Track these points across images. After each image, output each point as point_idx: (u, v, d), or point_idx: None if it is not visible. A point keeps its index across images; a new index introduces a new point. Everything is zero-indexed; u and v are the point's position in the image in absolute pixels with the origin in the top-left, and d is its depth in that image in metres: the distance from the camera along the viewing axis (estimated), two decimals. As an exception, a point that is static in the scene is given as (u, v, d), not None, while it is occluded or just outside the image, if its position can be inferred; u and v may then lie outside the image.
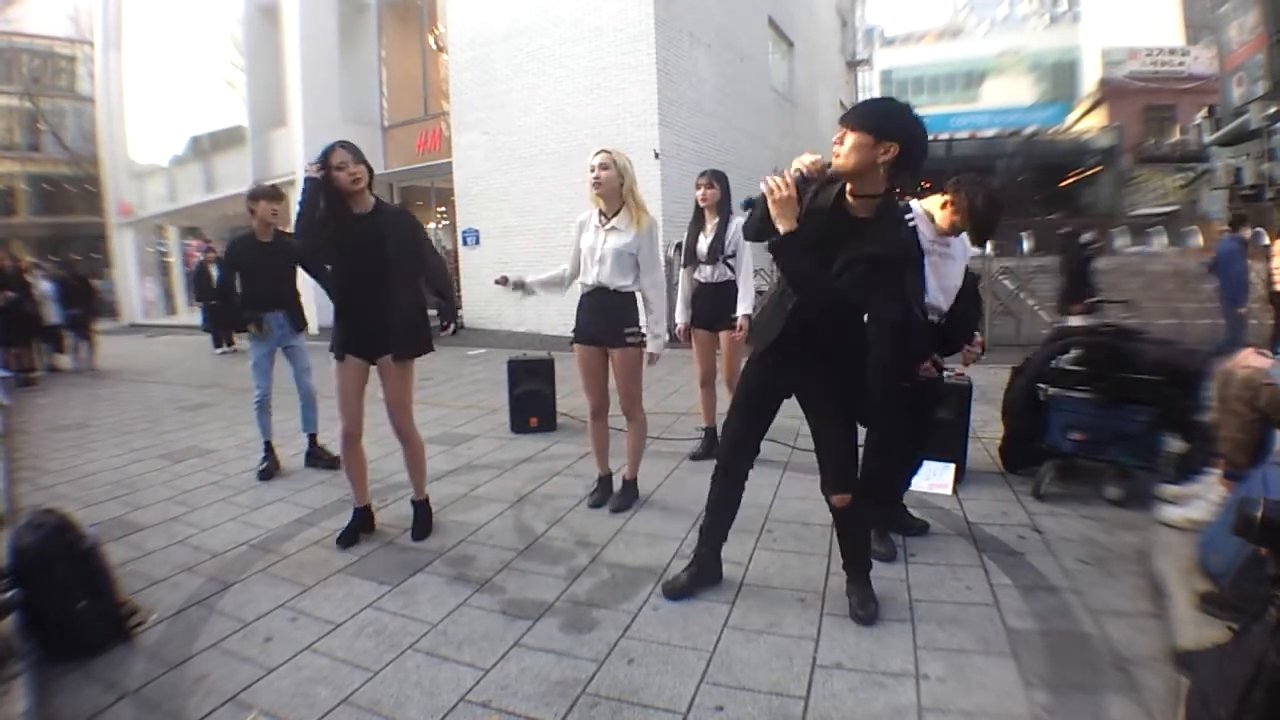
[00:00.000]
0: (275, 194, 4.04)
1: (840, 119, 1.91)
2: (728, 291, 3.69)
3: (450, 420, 5.18)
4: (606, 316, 3.03)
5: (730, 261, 3.68)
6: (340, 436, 2.89)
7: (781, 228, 1.90)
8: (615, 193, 2.97)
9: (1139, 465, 2.99)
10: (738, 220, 3.64)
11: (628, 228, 2.97)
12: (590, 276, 3.04)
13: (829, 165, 1.92)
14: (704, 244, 3.72)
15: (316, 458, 4.13)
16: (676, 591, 2.35)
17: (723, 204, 3.70)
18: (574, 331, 3.13)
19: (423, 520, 3.00)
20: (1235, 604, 1.83)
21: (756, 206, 2.02)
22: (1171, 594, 2.10)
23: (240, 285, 3.98)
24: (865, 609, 2.17)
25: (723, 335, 3.80)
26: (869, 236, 1.89)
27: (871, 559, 2.29)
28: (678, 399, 5.62)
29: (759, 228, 2.01)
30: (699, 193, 3.73)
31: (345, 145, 2.69)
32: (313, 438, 4.18)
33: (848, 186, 1.93)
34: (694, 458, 3.94)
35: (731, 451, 2.31)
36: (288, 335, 4.06)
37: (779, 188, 1.89)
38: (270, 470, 3.97)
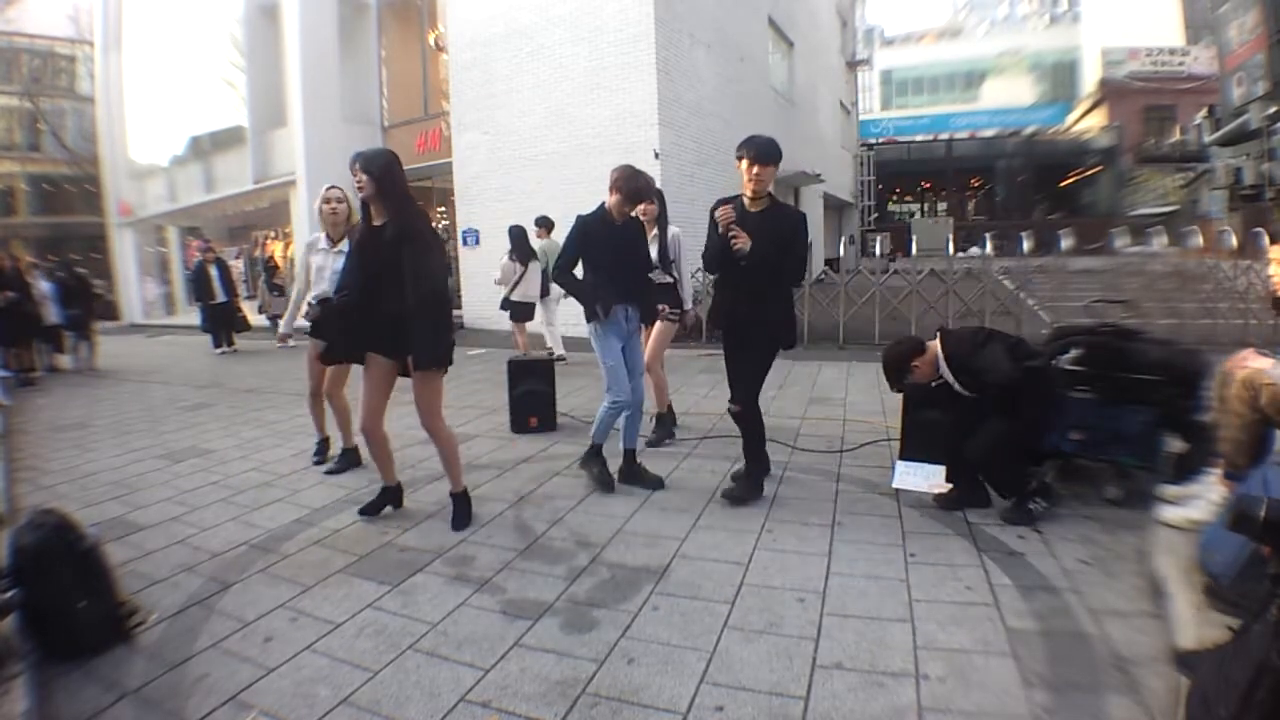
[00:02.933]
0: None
1: (761, 161, 2.94)
2: (667, 291, 4.09)
3: (450, 420, 5.13)
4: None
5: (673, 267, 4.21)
6: (360, 431, 3.16)
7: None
8: (345, 222, 3.74)
9: (1139, 465, 2.99)
10: (673, 229, 4.21)
11: None
12: (319, 291, 3.69)
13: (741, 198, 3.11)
14: (653, 253, 4.08)
15: (635, 475, 3.50)
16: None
17: (660, 217, 4.16)
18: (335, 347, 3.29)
19: (459, 511, 3.13)
20: (1237, 600, 1.83)
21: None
22: (1171, 594, 2.10)
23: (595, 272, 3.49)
24: (731, 494, 3.10)
25: (655, 325, 4.22)
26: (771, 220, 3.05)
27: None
28: (677, 400, 5.61)
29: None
30: (640, 207, 4.05)
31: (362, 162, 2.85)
32: (630, 453, 3.55)
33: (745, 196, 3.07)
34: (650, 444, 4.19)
35: None
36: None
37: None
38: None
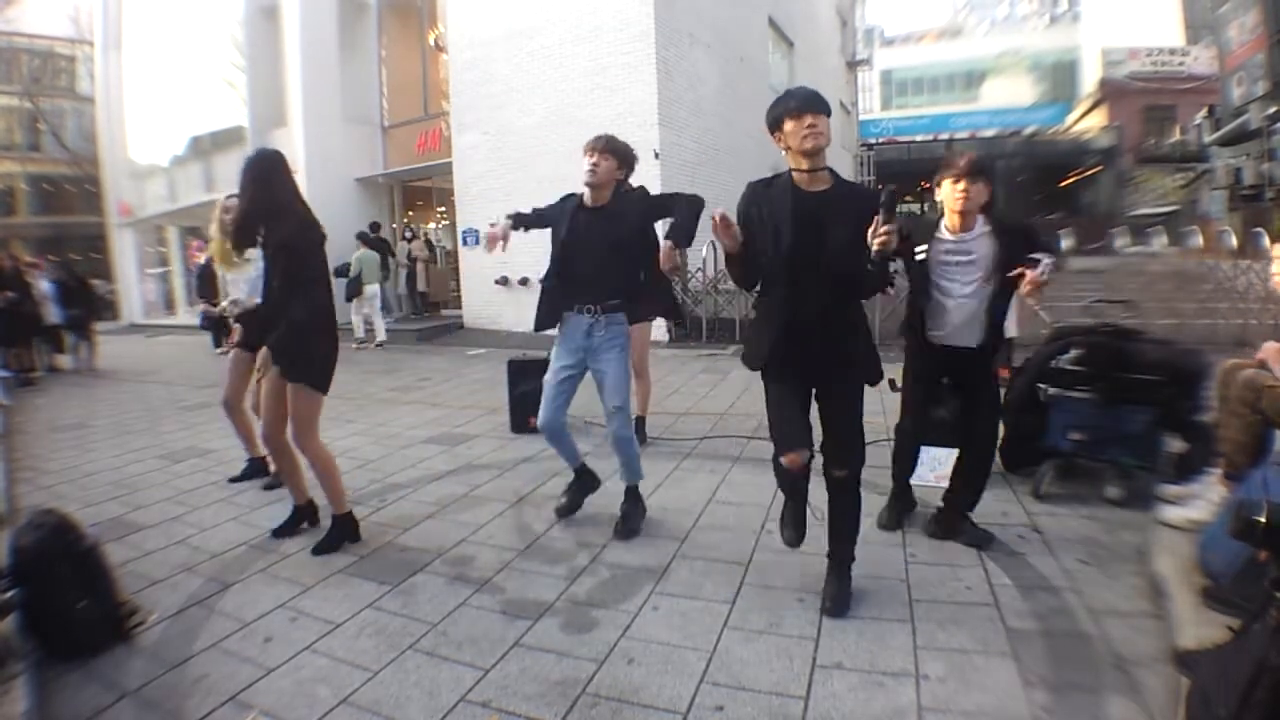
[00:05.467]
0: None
1: (813, 109, 2.04)
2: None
3: (450, 420, 5.18)
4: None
5: None
6: (262, 442, 3.02)
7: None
8: None
9: (1139, 465, 2.99)
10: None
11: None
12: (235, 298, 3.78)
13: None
14: None
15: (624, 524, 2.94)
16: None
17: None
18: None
19: (331, 533, 2.90)
20: (1236, 601, 1.83)
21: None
22: (1171, 594, 2.10)
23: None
24: (836, 601, 2.23)
25: (635, 327, 3.67)
26: (844, 202, 2.07)
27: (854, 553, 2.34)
28: (678, 399, 5.62)
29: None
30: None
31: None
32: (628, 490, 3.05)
33: (799, 172, 2.10)
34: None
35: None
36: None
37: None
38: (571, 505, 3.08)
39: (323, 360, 2.81)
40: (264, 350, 2.83)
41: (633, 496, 3.03)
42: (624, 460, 2.96)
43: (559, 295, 2.86)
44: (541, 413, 2.89)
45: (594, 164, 2.75)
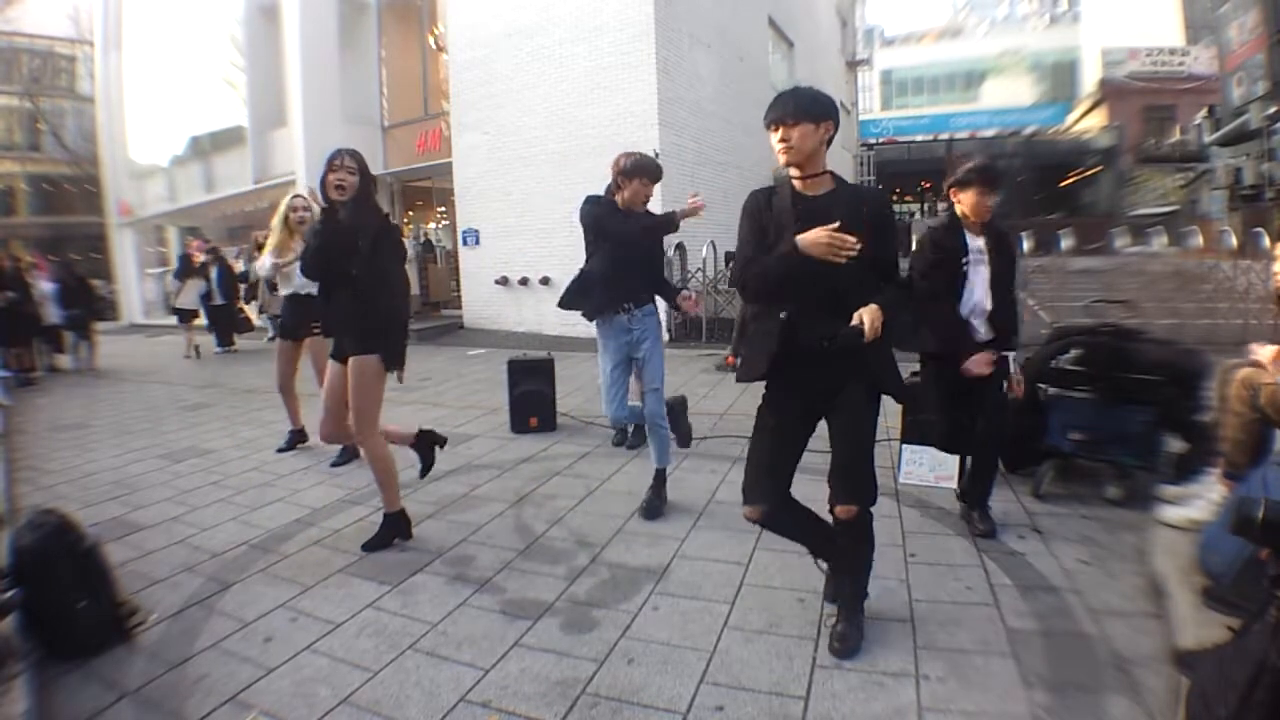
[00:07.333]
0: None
1: (781, 120, 1.89)
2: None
3: (450, 420, 5.18)
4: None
5: None
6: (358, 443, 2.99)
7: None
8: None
9: (1139, 465, 2.99)
10: None
11: None
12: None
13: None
14: None
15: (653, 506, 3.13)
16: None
17: None
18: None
19: (382, 531, 2.89)
20: (1236, 601, 1.83)
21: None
22: (1171, 594, 2.10)
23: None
24: (844, 642, 1.97)
25: None
26: (849, 204, 1.91)
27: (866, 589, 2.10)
28: (678, 399, 5.61)
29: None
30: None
31: (351, 153, 2.71)
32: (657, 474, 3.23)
33: (795, 178, 1.96)
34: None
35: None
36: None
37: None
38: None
39: (402, 342, 2.85)
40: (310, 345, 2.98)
41: (659, 480, 3.22)
42: (655, 440, 3.18)
43: (606, 295, 3.11)
44: (605, 408, 3.24)
45: (648, 195, 3.08)
